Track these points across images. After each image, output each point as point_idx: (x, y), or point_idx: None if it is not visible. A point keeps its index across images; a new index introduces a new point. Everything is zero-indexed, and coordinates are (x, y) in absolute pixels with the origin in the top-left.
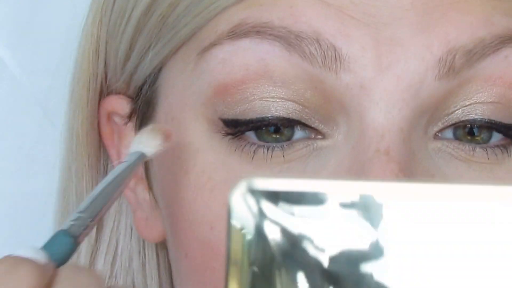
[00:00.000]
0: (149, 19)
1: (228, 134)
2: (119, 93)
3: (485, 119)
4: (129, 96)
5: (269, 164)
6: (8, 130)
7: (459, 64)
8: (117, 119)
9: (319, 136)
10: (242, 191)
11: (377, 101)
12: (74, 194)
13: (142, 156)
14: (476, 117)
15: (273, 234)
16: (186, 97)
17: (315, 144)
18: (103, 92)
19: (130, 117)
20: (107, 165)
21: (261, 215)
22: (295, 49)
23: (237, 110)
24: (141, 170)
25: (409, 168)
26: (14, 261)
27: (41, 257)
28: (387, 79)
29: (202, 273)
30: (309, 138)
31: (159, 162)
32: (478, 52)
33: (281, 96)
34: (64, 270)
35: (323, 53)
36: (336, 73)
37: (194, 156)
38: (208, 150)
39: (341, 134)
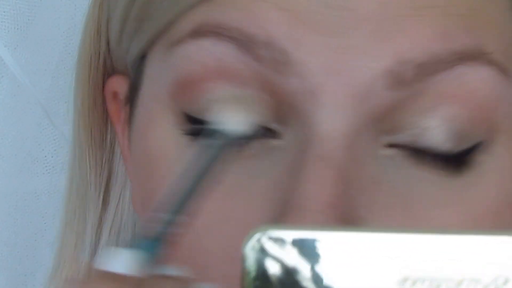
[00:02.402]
0: (134, 4)
1: (188, 129)
2: (121, 74)
3: (434, 147)
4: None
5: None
6: (8, 130)
7: (410, 76)
8: (121, 98)
9: (273, 136)
10: (256, 241)
11: (323, 106)
12: (77, 168)
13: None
14: (424, 144)
15: (287, 282)
16: (156, 89)
17: (269, 143)
18: (108, 71)
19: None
20: (114, 142)
21: (276, 263)
22: (248, 52)
23: (196, 107)
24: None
25: (351, 174)
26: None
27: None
28: (334, 85)
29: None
30: (264, 136)
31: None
32: (431, 67)
33: (237, 95)
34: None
35: (274, 57)
36: (286, 77)
37: (159, 149)
38: (171, 143)
39: (292, 135)
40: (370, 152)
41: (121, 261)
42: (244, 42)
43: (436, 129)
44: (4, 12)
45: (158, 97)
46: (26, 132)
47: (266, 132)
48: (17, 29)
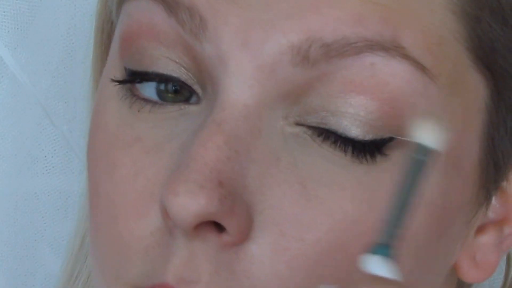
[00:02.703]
0: None
1: (125, 82)
2: None
3: (340, 132)
4: None
5: (148, 117)
6: (8, 130)
7: (314, 55)
8: None
9: (196, 101)
10: None
11: (231, 75)
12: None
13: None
14: (331, 127)
15: None
16: (114, 41)
17: (189, 108)
18: None
19: None
20: None
21: None
22: (173, 14)
23: (132, 61)
24: None
25: (246, 144)
26: None
27: None
28: (242, 56)
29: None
30: (186, 102)
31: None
32: (337, 48)
33: (166, 55)
34: None
35: (193, 22)
36: (203, 43)
37: (104, 98)
38: (113, 96)
39: (206, 101)
40: (275, 127)
41: (384, 266)
42: (170, 4)
43: (344, 115)
44: (4, 12)
45: (114, 50)
46: (26, 132)
47: (190, 95)
48: (17, 29)
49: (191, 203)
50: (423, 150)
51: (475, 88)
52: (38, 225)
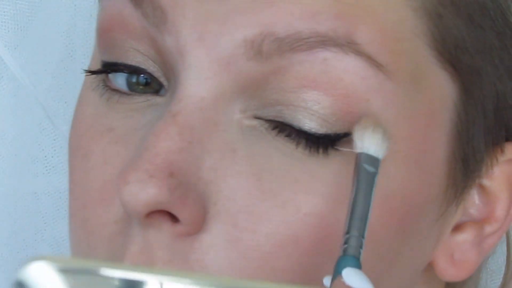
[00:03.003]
0: None
1: (96, 73)
2: None
3: (294, 124)
4: None
5: (119, 107)
6: (8, 130)
7: (267, 49)
8: None
9: (163, 92)
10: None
11: (189, 67)
12: None
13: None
14: (286, 120)
15: None
16: (95, 35)
17: (155, 99)
18: None
19: None
20: None
21: None
22: (139, 7)
23: (105, 53)
24: None
25: (200, 136)
26: None
27: None
28: (198, 49)
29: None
30: (154, 94)
31: None
32: (289, 43)
33: (135, 47)
34: None
35: (155, 15)
36: (164, 36)
37: (83, 89)
38: (88, 87)
39: (169, 93)
40: (232, 120)
41: (359, 280)
42: None
43: (298, 109)
44: (4, 12)
45: (94, 47)
46: (26, 132)
47: (160, 88)
48: (17, 29)
49: (140, 192)
50: (367, 159)
51: (440, 86)
52: (38, 225)
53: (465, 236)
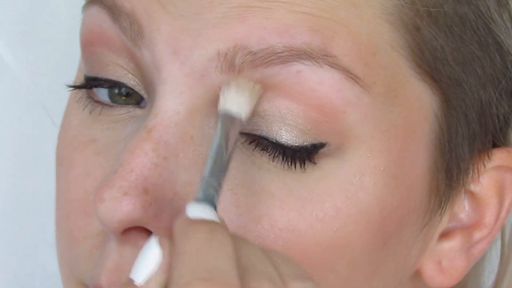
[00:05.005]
0: None
1: (77, 87)
2: None
3: (270, 137)
4: None
5: (102, 119)
6: (8, 130)
7: (240, 63)
8: None
9: (144, 104)
10: None
11: (164, 81)
12: None
13: (234, 119)
14: (262, 133)
15: None
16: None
17: (135, 111)
18: None
19: None
20: None
21: None
22: (117, 21)
23: (87, 66)
24: None
25: (176, 151)
26: (211, 227)
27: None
28: (173, 63)
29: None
30: (135, 105)
31: None
32: (263, 57)
33: (115, 61)
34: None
35: (132, 28)
36: (141, 49)
37: (70, 99)
38: (72, 100)
39: (148, 105)
40: (208, 134)
41: (208, 212)
42: (113, 11)
43: (272, 119)
44: (4, 12)
45: (80, 58)
46: (26, 132)
47: (140, 99)
48: (17, 29)
49: (114, 210)
50: (228, 118)
51: (419, 97)
52: (38, 225)
53: (453, 243)
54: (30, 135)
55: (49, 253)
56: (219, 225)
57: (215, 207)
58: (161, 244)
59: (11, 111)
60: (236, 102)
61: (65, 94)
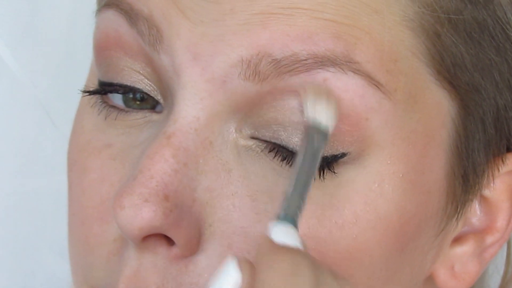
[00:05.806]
0: None
1: (92, 93)
2: None
3: (290, 147)
4: None
5: (117, 124)
6: (8, 130)
7: (264, 70)
8: None
9: (159, 109)
10: None
11: (183, 87)
12: None
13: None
14: (283, 143)
15: None
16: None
17: (152, 116)
18: None
19: None
20: None
21: None
22: (135, 25)
23: (101, 71)
24: None
25: (195, 157)
26: (295, 259)
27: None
28: (193, 69)
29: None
30: (151, 110)
31: None
32: (287, 65)
33: (130, 66)
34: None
35: (151, 33)
36: (160, 54)
37: (82, 103)
38: (86, 102)
39: (166, 110)
40: (228, 140)
41: (292, 236)
42: (131, 15)
43: (295, 130)
44: (4, 12)
45: (92, 61)
46: (26, 132)
47: (156, 104)
48: (17, 28)
49: (135, 217)
50: (317, 132)
51: (438, 104)
52: (38, 225)
53: (466, 248)
54: (30, 135)
55: (49, 253)
56: (303, 256)
57: (296, 226)
58: (241, 268)
59: (11, 111)
60: (325, 114)
61: (65, 94)
